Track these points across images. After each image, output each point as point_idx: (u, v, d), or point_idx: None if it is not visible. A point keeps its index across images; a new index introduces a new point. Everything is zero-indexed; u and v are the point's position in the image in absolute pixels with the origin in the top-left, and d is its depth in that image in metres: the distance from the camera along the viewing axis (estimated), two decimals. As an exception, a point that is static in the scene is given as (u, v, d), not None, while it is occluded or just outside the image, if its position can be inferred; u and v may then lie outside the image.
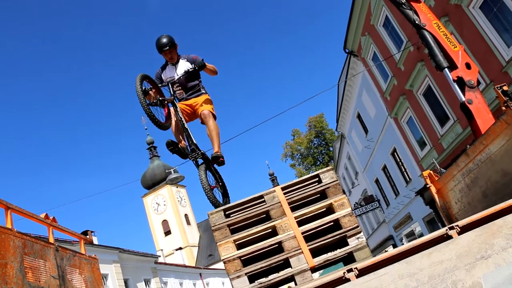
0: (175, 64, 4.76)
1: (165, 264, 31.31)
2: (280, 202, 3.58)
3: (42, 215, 4.88)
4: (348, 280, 3.01)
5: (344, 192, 3.69)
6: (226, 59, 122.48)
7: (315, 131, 43.36)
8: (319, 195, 3.69)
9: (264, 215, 3.63)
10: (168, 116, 4.55)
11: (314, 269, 3.40)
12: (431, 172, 5.77)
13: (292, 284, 3.50)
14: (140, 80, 4.13)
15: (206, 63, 4.59)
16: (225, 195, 4.93)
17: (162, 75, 4.84)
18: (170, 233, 54.33)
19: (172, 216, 54.74)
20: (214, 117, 4.67)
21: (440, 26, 5.79)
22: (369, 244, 27.67)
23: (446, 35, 5.69)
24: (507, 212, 3.16)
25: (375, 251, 25.59)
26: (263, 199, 3.66)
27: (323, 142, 43.74)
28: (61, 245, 4.87)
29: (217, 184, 4.81)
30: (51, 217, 5.02)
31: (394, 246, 21.36)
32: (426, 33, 5.68)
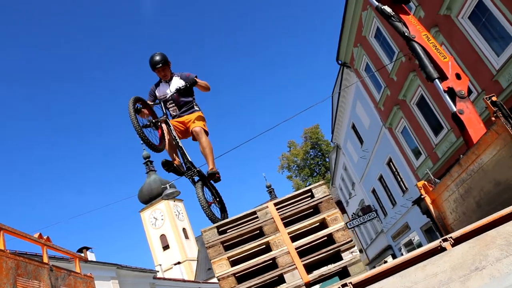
0: (168, 81, 4.80)
1: (164, 279, 31.04)
2: (273, 217, 3.57)
3: (36, 235, 4.85)
4: (342, 295, 3.00)
5: (337, 207, 3.68)
6: (221, 69, 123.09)
7: (311, 142, 43.50)
8: (312, 210, 3.68)
9: (258, 231, 3.62)
10: (162, 138, 4.57)
11: (308, 284, 3.38)
12: (425, 182, 5.79)
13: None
14: (133, 104, 4.15)
15: (198, 80, 4.64)
16: (223, 210, 4.94)
17: (156, 92, 4.87)
18: (169, 247, 53.98)
19: (170, 231, 54.45)
20: (206, 133, 4.69)
21: (429, 38, 5.85)
22: (368, 254, 27.54)
23: (436, 46, 5.75)
24: (500, 223, 3.17)
25: (374, 261, 25.48)
26: (256, 215, 3.66)
27: (319, 153, 43.86)
28: (55, 265, 4.83)
29: (214, 200, 4.82)
30: (45, 237, 4.99)
31: (393, 256, 21.30)
32: (416, 45, 5.74)
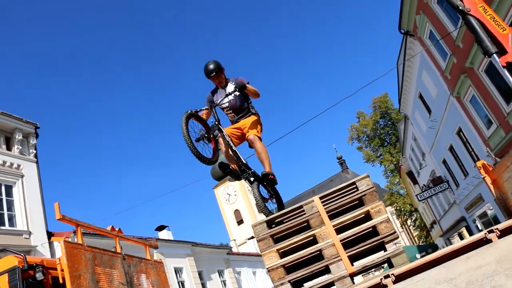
0: (224, 87, 4.96)
1: (237, 254, 32.12)
2: (318, 211, 3.71)
3: (109, 228, 5.40)
4: (385, 286, 3.11)
5: (379, 198, 3.74)
6: (289, 41, 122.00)
7: (380, 111, 42.09)
8: (356, 203, 3.77)
9: (305, 224, 3.78)
10: (216, 149, 4.77)
11: (353, 275, 3.52)
12: (485, 162, 5.58)
13: None
14: (186, 120, 4.35)
15: (248, 85, 4.73)
16: (280, 205, 5.05)
17: (213, 98, 5.03)
18: (243, 222, 55.26)
19: (243, 206, 55.64)
20: (260, 139, 4.81)
21: (486, 9, 5.51)
22: (442, 225, 26.64)
23: (494, 18, 5.41)
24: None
25: (448, 232, 24.66)
26: (303, 209, 3.81)
27: (389, 122, 42.36)
28: (127, 254, 5.37)
29: (270, 196, 4.98)
30: (117, 229, 5.54)
31: (467, 228, 20.48)
32: (472, 19, 5.44)
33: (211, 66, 4.82)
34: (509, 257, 3.02)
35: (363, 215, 3.66)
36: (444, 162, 20.05)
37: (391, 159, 39.17)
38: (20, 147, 16.03)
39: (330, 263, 3.53)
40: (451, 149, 18.14)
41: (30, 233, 14.59)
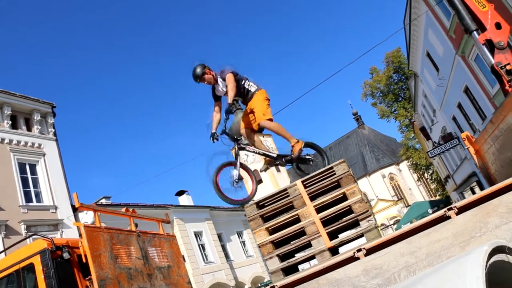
0: (215, 84, 5.06)
1: (256, 215, 32.89)
2: (301, 193, 4.18)
3: (123, 209, 5.99)
4: (358, 258, 3.61)
5: (355, 181, 4.16)
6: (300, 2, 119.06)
7: (393, 66, 41.44)
8: (335, 185, 4.21)
9: (289, 205, 4.26)
10: (253, 179, 5.08)
11: (332, 249, 4.01)
12: (468, 134, 5.89)
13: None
14: (216, 174, 4.61)
15: (231, 101, 4.70)
16: (322, 155, 5.21)
17: (216, 93, 5.14)
18: (262, 181, 55.33)
19: (262, 165, 55.67)
20: (270, 119, 4.85)
21: (468, -14, 5.66)
22: (455, 180, 26.92)
23: (474, -6, 5.57)
24: (503, 192, 3.46)
25: (461, 187, 24.98)
26: (287, 192, 4.28)
27: (403, 77, 41.72)
28: (141, 230, 5.97)
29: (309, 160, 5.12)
30: (130, 209, 6.12)
31: (479, 182, 20.73)
32: (453, -4, 5.61)
33: (194, 74, 4.92)
34: (464, 232, 3.44)
35: (340, 196, 4.10)
36: (454, 119, 20.12)
37: (406, 114, 38.93)
38: (40, 127, 16.79)
39: (312, 239, 4.03)
40: (460, 106, 18.19)
41: (56, 208, 15.55)
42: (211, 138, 4.88)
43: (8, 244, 12.87)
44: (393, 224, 43.28)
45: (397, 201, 52.87)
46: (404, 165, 54.69)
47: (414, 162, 41.35)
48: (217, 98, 5.12)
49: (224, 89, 4.96)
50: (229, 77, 4.81)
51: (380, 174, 56.82)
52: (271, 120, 4.88)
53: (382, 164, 57.56)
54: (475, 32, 5.42)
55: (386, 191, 55.39)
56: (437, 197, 39.65)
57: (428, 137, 29.70)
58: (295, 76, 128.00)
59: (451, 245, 3.43)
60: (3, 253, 8.67)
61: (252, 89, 5.00)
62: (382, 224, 48.57)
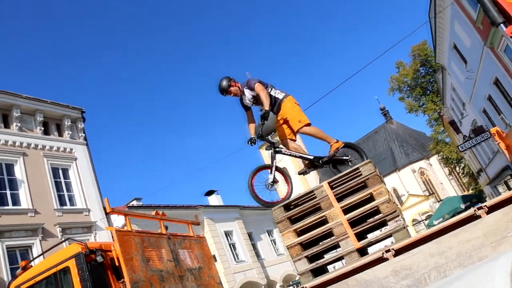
0: (242, 95, 5.12)
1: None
2: (327, 195, 4.18)
3: (153, 213, 6.13)
4: (386, 259, 3.60)
5: (382, 181, 4.14)
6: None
7: (420, 60, 40.57)
8: (361, 185, 4.20)
9: (316, 207, 4.28)
10: (287, 180, 5.10)
11: (360, 250, 4.00)
12: (498, 129, 5.75)
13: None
14: (252, 175, 4.71)
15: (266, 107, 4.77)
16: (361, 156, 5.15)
17: (244, 102, 5.20)
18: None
19: (290, 163, 55.53)
20: (307, 124, 4.85)
21: (494, -24, 5.54)
22: (488, 173, 26.19)
23: (501, -15, 5.44)
24: (535, 189, 3.38)
25: (494, 181, 24.29)
26: (314, 194, 4.30)
27: (430, 70, 40.80)
28: (171, 233, 6.10)
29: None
30: (160, 212, 6.25)
31: (513, 176, 20.14)
32: (480, -12, 5.51)
33: (221, 86, 5.01)
34: (495, 231, 3.39)
35: (367, 196, 4.09)
36: (484, 111, 19.56)
37: (435, 107, 38.06)
38: (70, 132, 17.29)
39: (339, 240, 4.04)
40: (490, 99, 17.68)
41: (89, 210, 15.99)
42: (249, 142, 4.97)
43: (45, 246, 13.35)
44: (425, 219, 42.41)
45: (428, 196, 51.80)
46: (434, 159, 53.56)
47: (444, 156, 40.42)
48: (247, 108, 5.19)
49: (251, 100, 5.05)
50: (258, 86, 4.89)
51: (410, 169, 55.82)
52: (309, 125, 4.89)
53: (412, 159, 56.54)
54: (502, 25, 5.30)
55: (417, 186, 54.38)
56: (470, 191, 38.62)
57: (458, 131, 29.01)
58: (320, 73, 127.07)
59: (482, 245, 3.38)
60: (42, 256, 9.03)
61: (280, 96, 5.04)
62: (413, 220, 47.71)
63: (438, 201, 46.59)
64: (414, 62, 40.77)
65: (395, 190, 55.32)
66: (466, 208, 18.36)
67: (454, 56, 19.21)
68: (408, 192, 52.99)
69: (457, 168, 42.87)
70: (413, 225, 46.87)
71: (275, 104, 5.04)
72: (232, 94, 5.05)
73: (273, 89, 5.10)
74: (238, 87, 5.07)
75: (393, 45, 20.12)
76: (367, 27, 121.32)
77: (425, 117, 40.21)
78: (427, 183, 55.48)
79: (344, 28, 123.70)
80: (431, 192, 53.47)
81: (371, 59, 18.35)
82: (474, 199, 21.25)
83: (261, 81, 5.01)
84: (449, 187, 53.74)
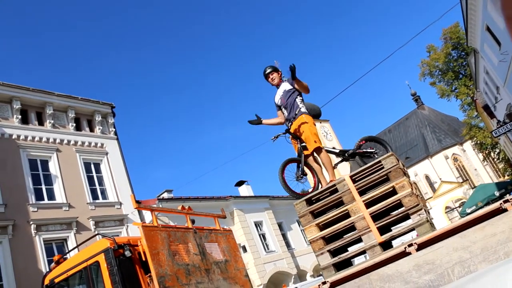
0: (278, 87, 5.34)
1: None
2: (349, 189, 4.16)
3: (179, 207, 6.23)
4: (409, 253, 3.56)
5: (405, 174, 4.08)
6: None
7: (451, 43, 39.23)
8: (384, 178, 4.15)
9: (338, 201, 4.26)
10: (314, 174, 5.18)
11: (384, 243, 3.97)
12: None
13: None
14: (282, 168, 4.86)
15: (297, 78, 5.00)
16: (386, 148, 5.39)
17: (275, 99, 5.42)
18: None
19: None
20: (321, 148, 4.99)
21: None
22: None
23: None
24: None
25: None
26: (335, 187, 4.28)
27: (463, 53, 39.45)
28: (197, 226, 6.20)
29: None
30: (186, 207, 6.36)
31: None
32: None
33: (265, 69, 5.33)
34: (523, 225, 3.28)
35: (389, 190, 4.04)
36: (520, 94, 18.86)
37: (467, 92, 36.87)
38: (101, 127, 17.72)
39: (362, 234, 4.01)
40: (526, 81, 17.02)
41: (120, 204, 16.42)
42: (273, 137, 5.21)
43: (79, 239, 13.84)
44: (458, 207, 41.40)
45: (462, 182, 50.48)
46: (468, 145, 52.05)
47: (478, 142, 39.20)
48: (278, 107, 5.36)
49: (281, 96, 5.22)
50: (299, 80, 5.06)
51: (443, 155, 54.50)
52: (321, 149, 5.00)
53: (445, 145, 55.15)
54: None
55: (450, 172, 53.08)
56: (506, 178, 37.38)
57: (492, 116, 28.04)
58: (349, 59, 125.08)
59: (508, 240, 3.29)
60: (76, 249, 9.37)
61: (303, 109, 5.16)
62: (447, 207, 46.66)
63: (472, 188, 45.34)
64: (445, 45, 39.53)
65: (427, 177, 54.21)
66: (501, 196, 17.79)
67: (487, 38, 18.53)
68: (440, 179, 51.80)
69: (492, 154, 41.54)
70: (446, 212, 45.86)
71: (295, 108, 5.17)
72: (269, 79, 5.32)
73: (300, 96, 5.26)
74: (280, 77, 5.35)
75: (424, 28, 19.55)
76: (398, 12, 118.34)
77: (457, 102, 39.04)
78: (460, 169, 54.06)
79: (376, 12, 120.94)
80: (465, 179, 52.07)
81: (401, 44, 17.89)
82: (510, 186, 20.54)
83: None
84: (484, 174, 52.19)
